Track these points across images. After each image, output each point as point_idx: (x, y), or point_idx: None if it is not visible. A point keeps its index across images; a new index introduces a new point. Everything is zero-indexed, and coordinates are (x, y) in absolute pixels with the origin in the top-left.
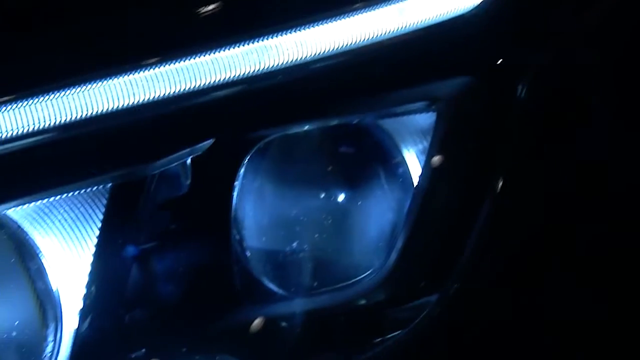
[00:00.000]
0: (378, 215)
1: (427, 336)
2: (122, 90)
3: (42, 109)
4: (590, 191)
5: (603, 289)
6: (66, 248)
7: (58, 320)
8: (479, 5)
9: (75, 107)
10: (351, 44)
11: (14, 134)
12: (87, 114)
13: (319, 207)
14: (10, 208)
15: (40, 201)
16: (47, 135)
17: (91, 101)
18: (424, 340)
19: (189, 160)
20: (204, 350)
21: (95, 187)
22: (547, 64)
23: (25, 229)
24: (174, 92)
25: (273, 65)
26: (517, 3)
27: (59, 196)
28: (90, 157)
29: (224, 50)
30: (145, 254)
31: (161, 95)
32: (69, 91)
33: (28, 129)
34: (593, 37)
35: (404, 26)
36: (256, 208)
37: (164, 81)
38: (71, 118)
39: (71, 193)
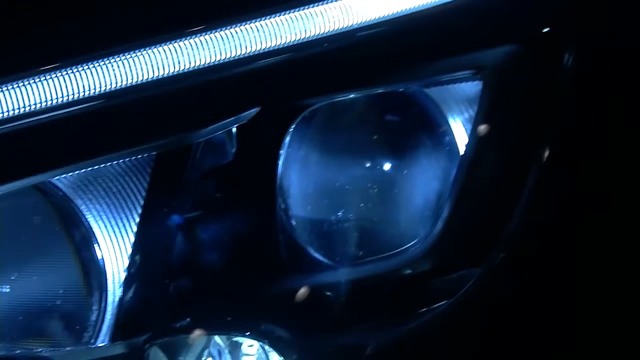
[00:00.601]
0: (424, 184)
1: (473, 306)
2: (167, 59)
3: (87, 77)
4: (638, 160)
5: None
6: (111, 217)
7: (103, 289)
8: None
9: (121, 75)
10: (397, 11)
11: (59, 102)
12: (132, 82)
13: (364, 175)
14: (55, 177)
15: (85, 170)
16: (92, 104)
17: (136, 69)
18: (469, 310)
19: (234, 129)
20: (248, 320)
21: (140, 156)
22: (594, 32)
23: (70, 198)
24: (219, 60)
25: (319, 33)
26: None
27: (104, 165)
28: (135, 126)
29: (269, 18)
30: (190, 222)
31: (206, 63)
32: (114, 59)
33: (73, 97)
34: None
35: None
36: (301, 177)
37: (209, 49)
38: (116, 86)
39: (116, 162)
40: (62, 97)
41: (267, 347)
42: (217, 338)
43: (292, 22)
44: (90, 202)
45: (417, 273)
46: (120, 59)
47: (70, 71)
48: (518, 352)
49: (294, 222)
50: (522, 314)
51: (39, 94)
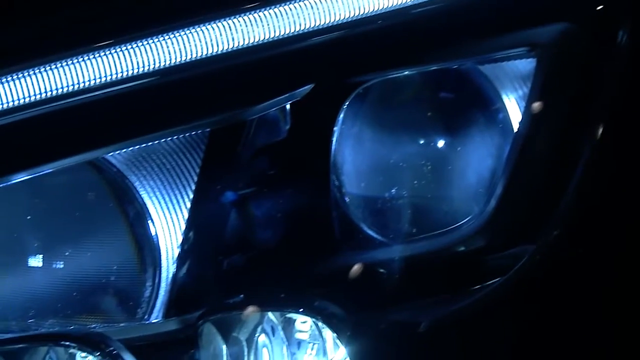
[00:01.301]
0: (477, 161)
1: (526, 284)
2: (221, 35)
3: (141, 54)
4: None
5: None
6: (165, 193)
7: (156, 265)
8: None
9: (175, 52)
10: None
11: (114, 78)
12: (186, 59)
13: (418, 153)
14: (109, 153)
15: (139, 146)
16: (146, 81)
17: (190, 46)
18: (523, 287)
19: (288, 106)
20: (302, 297)
21: (194, 132)
22: None
23: (124, 174)
24: (274, 37)
25: (373, 10)
26: None
27: (158, 141)
28: (189, 102)
29: None
30: (243, 199)
31: (261, 40)
32: (169, 36)
33: (128, 74)
34: None
35: None
36: (355, 154)
37: (263, 26)
38: (170, 62)
39: (170, 138)
40: (117, 73)
41: (320, 324)
42: (270, 314)
43: None
44: (145, 178)
45: (471, 250)
46: (175, 36)
47: (125, 48)
48: (571, 330)
49: (347, 199)
50: (576, 291)
51: (94, 70)
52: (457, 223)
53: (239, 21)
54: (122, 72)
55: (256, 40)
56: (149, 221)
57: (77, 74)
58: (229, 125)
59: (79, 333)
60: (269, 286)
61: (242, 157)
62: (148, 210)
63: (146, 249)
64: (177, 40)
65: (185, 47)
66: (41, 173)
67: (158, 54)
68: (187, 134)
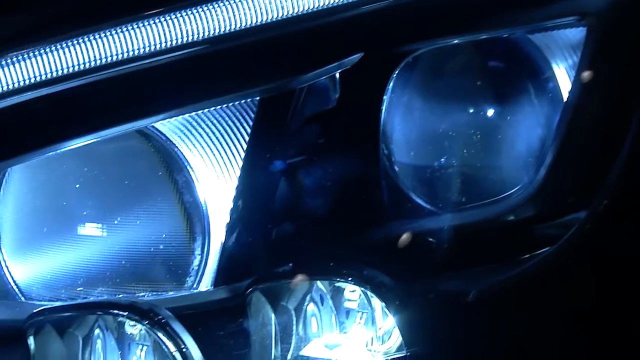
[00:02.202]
0: (527, 130)
1: (576, 253)
2: (270, 4)
3: (191, 22)
4: None
5: None
6: (214, 161)
7: (205, 233)
8: None
9: (225, 21)
10: None
11: (164, 47)
12: (236, 27)
13: (467, 121)
14: (158, 121)
15: (189, 115)
16: (195, 49)
17: (240, 15)
18: (572, 257)
19: (337, 74)
20: (351, 265)
21: (243, 100)
22: None
23: (173, 142)
24: (324, 5)
25: None
26: None
27: (207, 110)
28: (239, 71)
29: None
30: (292, 168)
31: (310, 9)
32: (217, 4)
33: (177, 42)
34: None
35: None
36: (404, 122)
37: None
38: (220, 31)
39: (220, 106)
40: (167, 42)
41: (369, 293)
42: (319, 283)
43: None
44: (194, 146)
45: (520, 219)
46: (225, 5)
47: (175, 16)
48: (621, 299)
49: (397, 168)
50: (626, 260)
51: (143, 39)
52: (506, 192)
53: None
54: (171, 40)
55: (306, 8)
56: (198, 189)
57: (127, 43)
58: (278, 94)
59: (127, 302)
60: (318, 255)
61: (291, 126)
62: (197, 179)
63: (195, 217)
64: (227, 9)
65: (235, 16)
66: (91, 141)
67: (208, 22)
68: (236, 103)
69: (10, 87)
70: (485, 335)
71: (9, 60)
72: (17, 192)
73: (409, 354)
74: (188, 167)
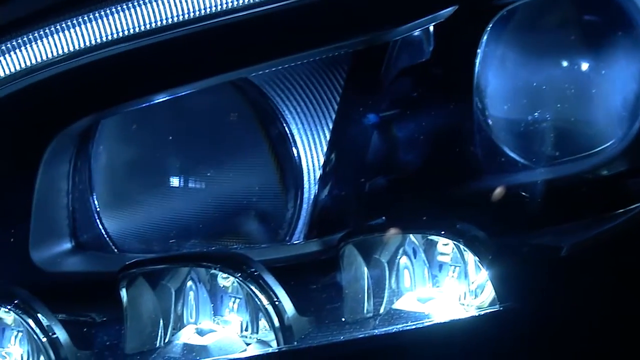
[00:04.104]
0: (621, 85)
1: None
2: None
3: None
4: None
5: None
6: (307, 114)
7: (298, 186)
8: None
9: None
10: None
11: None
12: None
13: (561, 75)
14: (251, 73)
15: (282, 67)
16: (289, 1)
17: None
18: None
19: (431, 27)
20: (444, 219)
21: (337, 53)
22: None
23: (267, 95)
24: None
25: None
26: None
27: (301, 62)
28: (332, 22)
29: None
30: (385, 121)
31: None
32: None
33: None
34: None
35: None
36: (498, 76)
37: None
38: None
39: (313, 59)
40: None
41: (462, 247)
42: (412, 236)
43: None
44: (287, 99)
45: (614, 174)
46: None
47: None
48: None
49: (490, 122)
50: None
51: None
52: (600, 146)
53: None
54: None
55: None
56: (291, 142)
57: None
58: (372, 47)
59: (220, 254)
60: (410, 209)
61: (384, 79)
62: (290, 131)
63: (288, 170)
64: None
65: None
66: (184, 93)
67: None
68: (330, 55)
69: (105, 39)
70: (578, 291)
71: (102, 12)
72: (110, 144)
73: (501, 308)
74: (281, 120)
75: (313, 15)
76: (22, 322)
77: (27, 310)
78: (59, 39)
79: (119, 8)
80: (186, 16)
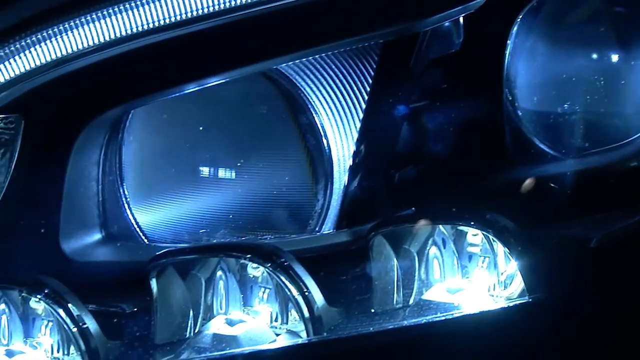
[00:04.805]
0: None
1: None
2: None
3: None
4: None
5: None
6: (337, 104)
7: (328, 176)
8: None
9: None
10: None
11: None
12: None
13: (591, 67)
14: (282, 63)
15: (312, 57)
16: None
17: None
18: None
19: (461, 18)
20: (473, 209)
21: (367, 43)
22: None
23: (297, 85)
24: None
25: None
26: None
27: (331, 52)
28: (363, 13)
29: None
30: (415, 112)
31: None
32: None
33: None
34: None
35: None
36: (528, 67)
37: None
38: None
39: (344, 49)
40: None
41: (491, 237)
42: (441, 227)
43: None
44: (318, 89)
45: None
46: None
47: None
48: None
49: (520, 113)
50: None
51: None
52: (629, 138)
53: None
54: None
55: None
56: (321, 132)
57: None
58: (402, 37)
59: (250, 244)
60: (440, 199)
61: (414, 70)
62: (321, 122)
63: (318, 160)
64: None
65: None
66: (216, 83)
67: None
68: (360, 45)
69: (136, 30)
70: (608, 282)
71: (134, 3)
72: (141, 134)
73: (530, 300)
74: (312, 110)
75: (343, 6)
76: (53, 311)
77: (57, 300)
78: (89, 30)
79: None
80: (217, 7)
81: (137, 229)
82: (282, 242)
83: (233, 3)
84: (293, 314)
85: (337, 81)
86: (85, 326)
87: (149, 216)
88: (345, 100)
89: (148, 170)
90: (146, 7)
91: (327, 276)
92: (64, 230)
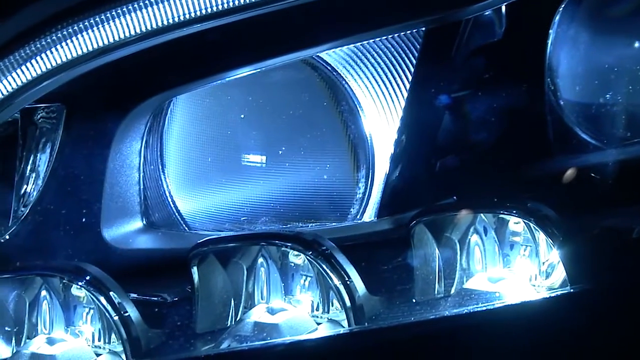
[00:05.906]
0: None
1: None
2: None
3: None
4: None
5: None
6: (379, 93)
7: (369, 164)
8: None
9: None
10: None
11: None
12: None
13: (634, 56)
14: (324, 51)
15: (354, 45)
16: None
17: None
18: None
19: (503, 7)
20: (515, 198)
21: (409, 31)
22: None
23: (339, 73)
24: None
25: None
26: None
27: (373, 40)
28: (406, 0)
29: None
30: (457, 101)
31: None
32: None
33: None
34: None
35: None
36: (571, 57)
37: None
38: None
39: (385, 37)
40: None
41: (533, 226)
42: (483, 215)
43: None
44: (359, 78)
45: None
46: None
47: None
48: None
49: (562, 103)
50: None
51: None
52: None
53: None
54: None
55: None
56: (363, 121)
57: None
58: (444, 25)
59: (291, 232)
60: (482, 188)
61: (456, 58)
62: (362, 109)
63: (360, 148)
64: None
65: None
66: (257, 71)
67: None
68: (402, 33)
69: (178, 20)
70: None
71: None
72: (182, 122)
73: (572, 290)
74: (353, 98)
75: None
76: (94, 299)
77: (99, 288)
78: (131, 19)
79: None
80: None
81: (178, 217)
82: (323, 230)
83: None
84: (334, 303)
85: (379, 69)
86: (126, 314)
87: (190, 204)
88: (387, 88)
89: (189, 159)
90: None
91: (368, 265)
92: (105, 218)
